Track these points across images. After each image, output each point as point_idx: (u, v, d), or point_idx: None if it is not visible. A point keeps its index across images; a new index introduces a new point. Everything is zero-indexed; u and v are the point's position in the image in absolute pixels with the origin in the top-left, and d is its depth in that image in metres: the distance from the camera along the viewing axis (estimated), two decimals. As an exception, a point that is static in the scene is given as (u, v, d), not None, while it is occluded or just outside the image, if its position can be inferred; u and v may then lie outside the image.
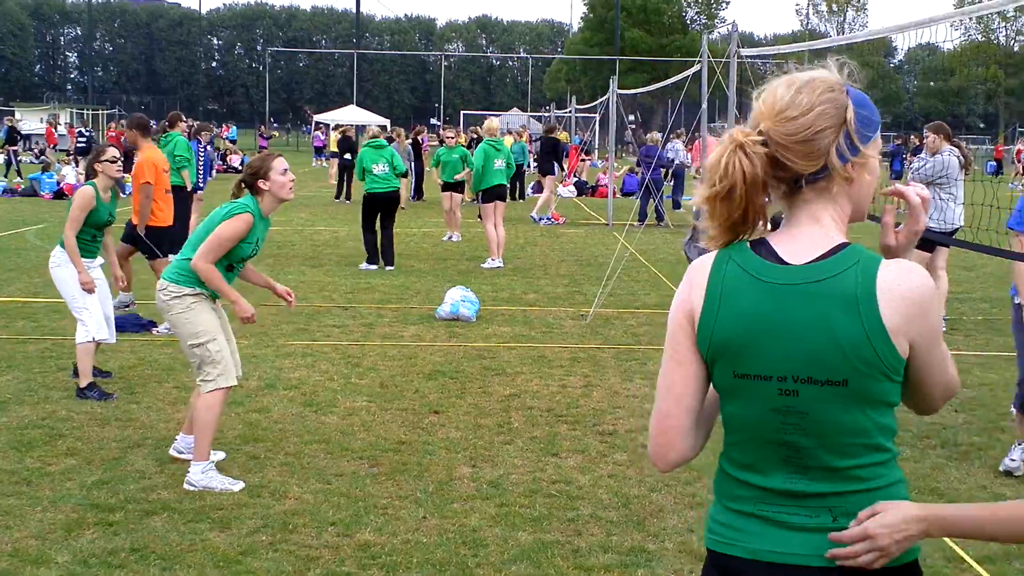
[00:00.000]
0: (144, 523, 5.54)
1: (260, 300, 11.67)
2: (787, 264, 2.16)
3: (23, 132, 51.85)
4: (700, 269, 2.26)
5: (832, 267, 2.13)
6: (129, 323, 10.23)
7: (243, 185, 6.27)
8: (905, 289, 2.10)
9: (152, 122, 15.10)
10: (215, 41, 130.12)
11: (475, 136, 25.94)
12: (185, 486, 6.06)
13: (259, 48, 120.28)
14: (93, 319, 8.03)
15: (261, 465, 6.54)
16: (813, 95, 2.14)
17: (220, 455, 6.54)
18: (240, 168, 33.81)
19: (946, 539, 4.97)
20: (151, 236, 10.54)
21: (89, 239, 8.24)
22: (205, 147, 16.41)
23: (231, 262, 6.23)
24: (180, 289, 6.12)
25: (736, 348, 2.18)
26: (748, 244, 2.22)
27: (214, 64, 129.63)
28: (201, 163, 16.02)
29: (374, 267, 15.10)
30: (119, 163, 8.50)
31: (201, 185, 16.32)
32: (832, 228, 2.19)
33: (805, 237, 2.18)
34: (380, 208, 15.24)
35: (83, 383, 7.97)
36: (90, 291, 8.03)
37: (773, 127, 2.14)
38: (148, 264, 10.93)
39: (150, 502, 5.85)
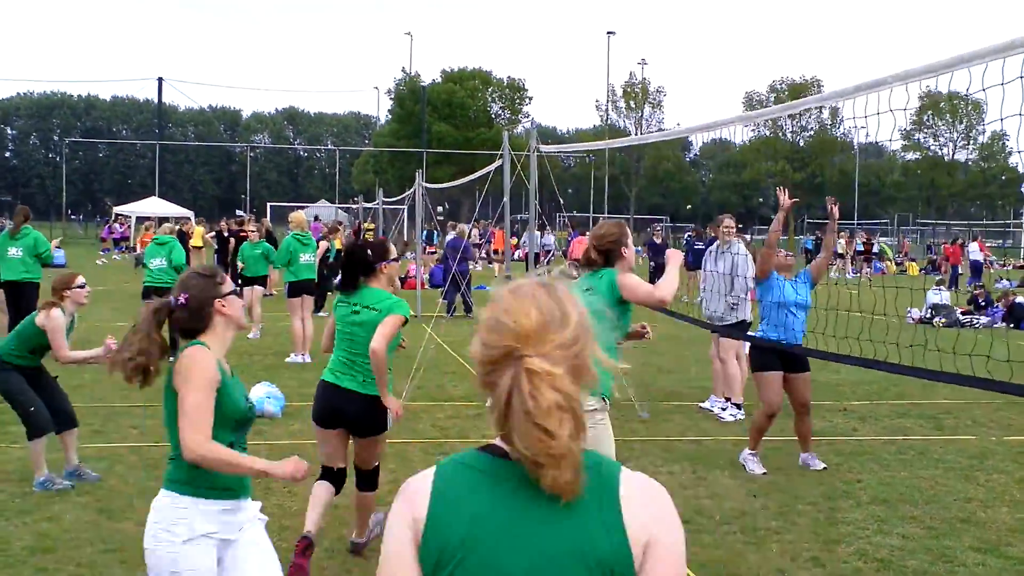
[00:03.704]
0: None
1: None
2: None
3: None
4: (419, 478, 2.02)
5: None
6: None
7: None
8: (649, 495, 1.97)
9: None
10: (9, 130, 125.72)
11: (268, 230, 25.64)
12: None
13: (56, 138, 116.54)
14: None
15: (50, 578, 6.21)
16: (575, 306, 1.98)
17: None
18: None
19: None
20: None
21: None
22: None
23: None
24: None
25: (465, 554, 1.90)
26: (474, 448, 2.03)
27: (7, 154, 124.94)
28: None
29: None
30: None
31: None
32: None
33: None
34: None
35: None
36: None
37: (557, 352, 1.92)
38: None
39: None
